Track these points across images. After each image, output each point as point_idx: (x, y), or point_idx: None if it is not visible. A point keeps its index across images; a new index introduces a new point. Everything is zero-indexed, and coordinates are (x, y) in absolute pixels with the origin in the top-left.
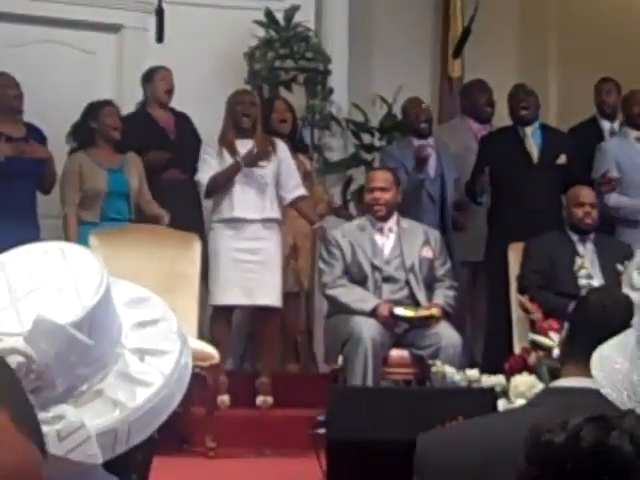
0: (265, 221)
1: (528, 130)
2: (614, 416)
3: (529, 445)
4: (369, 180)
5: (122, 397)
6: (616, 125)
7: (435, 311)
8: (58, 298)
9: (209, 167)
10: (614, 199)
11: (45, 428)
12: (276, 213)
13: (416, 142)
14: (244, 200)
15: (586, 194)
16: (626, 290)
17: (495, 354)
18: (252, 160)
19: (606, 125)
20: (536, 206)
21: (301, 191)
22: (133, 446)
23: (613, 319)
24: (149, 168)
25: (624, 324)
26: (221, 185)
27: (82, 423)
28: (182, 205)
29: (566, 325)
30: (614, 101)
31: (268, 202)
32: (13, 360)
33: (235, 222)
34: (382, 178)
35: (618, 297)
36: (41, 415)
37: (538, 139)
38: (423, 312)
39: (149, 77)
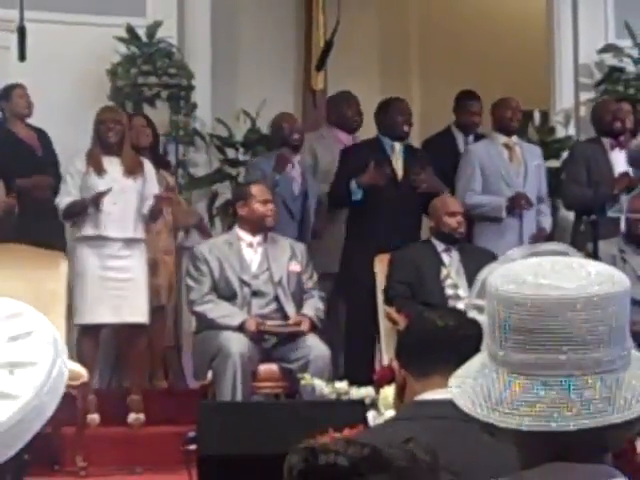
0: (129, 241)
1: (397, 145)
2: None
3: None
4: (256, 194)
5: None
6: (471, 139)
7: (303, 326)
8: None
9: (68, 189)
10: (474, 198)
11: None
12: (140, 233)
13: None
14: (108, 219)
15: (455, 203)
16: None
17: (357, 365)
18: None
19: (460, 137)
20: (396, 220)
21: None
22: (1, 467)
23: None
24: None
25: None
26: (76, 214)
27: None
28: (45, 223)
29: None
30: (476, 113)
31: (132, 222)
32: None
33: (98, 240)
34: (267, 191)
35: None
36: None
37: (402, 155)
38: (291, 327)
39: (6, 95)
